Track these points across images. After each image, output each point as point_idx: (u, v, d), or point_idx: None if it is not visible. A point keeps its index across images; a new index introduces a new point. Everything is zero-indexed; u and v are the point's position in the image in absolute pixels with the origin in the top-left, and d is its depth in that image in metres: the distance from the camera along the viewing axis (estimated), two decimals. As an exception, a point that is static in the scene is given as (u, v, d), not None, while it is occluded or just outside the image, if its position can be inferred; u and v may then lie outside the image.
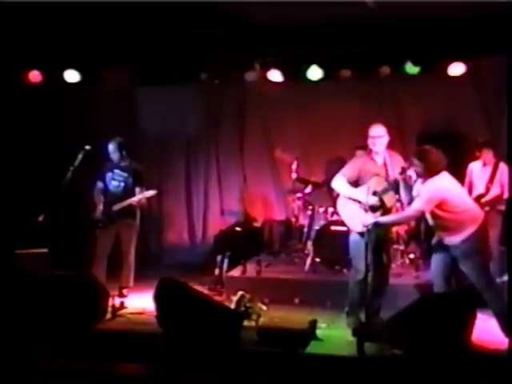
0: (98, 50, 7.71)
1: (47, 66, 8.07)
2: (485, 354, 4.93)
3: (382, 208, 5.43)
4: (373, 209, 5.42)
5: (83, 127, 8.56)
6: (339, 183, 5.60)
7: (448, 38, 6.98)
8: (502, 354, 4.77)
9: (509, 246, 5.95)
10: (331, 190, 5.93)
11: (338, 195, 5.80)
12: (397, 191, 5.50)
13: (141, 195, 6.58)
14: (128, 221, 6.69)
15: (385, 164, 5.55)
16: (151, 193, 6.61)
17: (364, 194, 5.41)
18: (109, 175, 6.74)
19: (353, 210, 5.55)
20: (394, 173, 5.47)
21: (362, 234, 5.44)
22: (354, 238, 5.60)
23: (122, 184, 6.70)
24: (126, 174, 6.70)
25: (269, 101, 8.39)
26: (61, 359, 4.81)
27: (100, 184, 6.80)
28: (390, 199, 5.47)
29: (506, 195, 6.44)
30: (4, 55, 7.25)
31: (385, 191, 5.42)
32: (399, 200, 6.33)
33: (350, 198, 5.54)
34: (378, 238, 5.38)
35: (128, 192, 6.64)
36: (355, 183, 5.56)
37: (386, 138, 5.55)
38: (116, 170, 6.72)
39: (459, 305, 4.96)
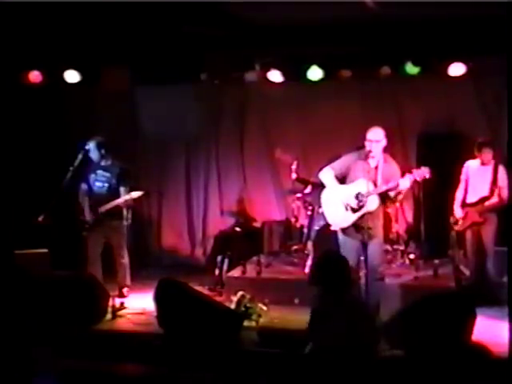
0: (98, 50, 7.70)
1: (47, 66, 8.06)
2: (485, 354, 4.92)
3: (362, 210, 5.44)
4: (353, 209, 5.47)
5: (83, 127, 8.56)
6: (326, 175, 5.71)
7: (448, 37, 6.97)
8: (502, 354, 4.76)
9: (509, 246, 5.94)
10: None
11: (323, 189, 5.86)
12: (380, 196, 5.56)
13: (127, 196, 6.47)
14: (114, 223, 6.62)
15: (376, 167, 5.56)
16: (138, 194, 6.51)
17: (347, 192, 5.48)
18: (92, 176, 6.65)
19: (335, 206, 5.62)
20: (384, 177, 5.50)
21: (343, 232, 5.59)
22: (340, 237, 5.72)
23: (106, 185, 6.61)
24: (108, 174, 6.61)
25: (269, 101, 8.38)
26: (61, 360, 4.80)
27: (84, 186, 6.71)
28: (372, 203, 5.49)
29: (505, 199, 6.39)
30: (4, 55, 7.25)
31: (368, 194, 5.44)
32: (397, 200, 6.39)
33: (333, 191, 5.63)
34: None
35: (112, 192, 6.55)
36: (343, 179, 5.62)
37: (383, 142, 5.56)
38: (99, 171, 6.64)
39: (459, 305, 4.96)
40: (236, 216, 8.69)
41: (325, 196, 5.80)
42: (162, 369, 4.75)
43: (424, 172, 5.43)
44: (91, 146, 6.58)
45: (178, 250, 8.93)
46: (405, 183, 5.43)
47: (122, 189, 6.54)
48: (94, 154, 6.60)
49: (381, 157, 5.57)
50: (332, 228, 5.88)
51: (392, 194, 5.57)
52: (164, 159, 8.89)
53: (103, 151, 6.60)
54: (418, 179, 5.45)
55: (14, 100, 7.84)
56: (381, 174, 5.54)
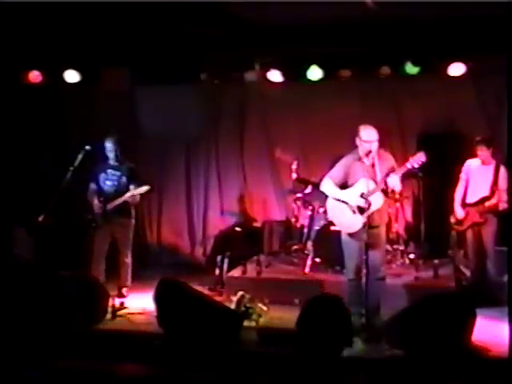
0: (98, 50, 7.70)
1: (47, 66, 8.06)
2: (485, 354, 4.92)
3: (370, 209, 5.45)
4: (361, 210, 5.47)
5: (83, 127, 8.55)
6: (327, 186, 5.71)
7: (448, 37, 6.97)
8: (502, 354, 4.76)
9: (509, 246, 5.94)
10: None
11: (327, 196, 5.85)
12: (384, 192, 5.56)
13: (133, 192, 6.51)
14: (123, 220, 6.66)
15: (373, 165, 5.56)
16: (144, 189, 6.54)
17: (351, 196, 5.48)
18: (102, 176, 6.68)
19: (341, 211, 5.62)
20: (383, 173, 5.50)
21: (350, 234, 5.60)
22: (343, 237, 5.71)
23: (116, 183, 6.64)
24: (118, 173, 6.64)
25: (269, 101, 8.38)
26: (60, 359, 4.80)
27: (93, 186, 6.73)
28: (377, 200, 5.49)
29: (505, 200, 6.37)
30: (4, 55, 7.24)
31: (372, 192, 5.44)
32: (398, 200, 6.38)
33: (339, 200, 5.62)
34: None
35: (122, 191, 6.58)
36: (344, 184, 5.62)
37: (377, 142, 5.56)
38: (109, 170, 6.67)
39: (460, 305, 4.96)
40: (236, 216, 8.69)
41: (330, 204, 5.79)
42: (161, 369, 4.75)
43: (420, 157, 5.42)
44: (108, 144, 6.60)
45: (178, 249, 8.93)
46: (402, 170, 5.45)
47: (131, 187, 6.58)
48: (111, 153, 6.61)
49: (375, 154, 5.58)
50: (337, 229, 5.88)
51: (397, 187, 5.58)
52: (164, 159, 8.89)
53: (119, 150, 6.62)
54: (416, 166, 5.45)
55: (14, 100, 7.83)
56: (379, 170, 5.54)
